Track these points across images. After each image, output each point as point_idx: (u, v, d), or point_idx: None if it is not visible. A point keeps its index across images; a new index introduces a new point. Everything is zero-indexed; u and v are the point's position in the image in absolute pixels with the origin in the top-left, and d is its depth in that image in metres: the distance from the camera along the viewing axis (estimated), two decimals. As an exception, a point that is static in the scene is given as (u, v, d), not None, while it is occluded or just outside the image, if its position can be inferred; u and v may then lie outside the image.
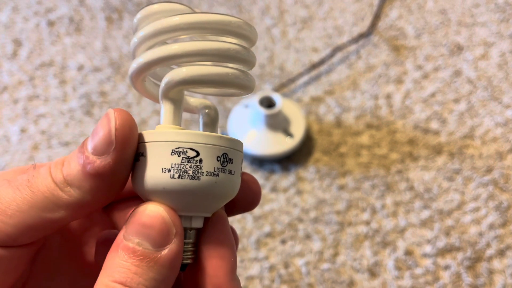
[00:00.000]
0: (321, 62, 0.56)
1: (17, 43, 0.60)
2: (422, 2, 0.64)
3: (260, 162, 0.48)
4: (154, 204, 0.19)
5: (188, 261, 0.20)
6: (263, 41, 0.60)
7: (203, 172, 0.19)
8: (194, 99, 0.24)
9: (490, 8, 0.62)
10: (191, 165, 0.19)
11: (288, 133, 0.48)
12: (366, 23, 0.61)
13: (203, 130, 0.23)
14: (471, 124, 0.51)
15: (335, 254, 0.42)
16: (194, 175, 0.19)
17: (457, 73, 0.56)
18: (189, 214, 0.20)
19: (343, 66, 0.57)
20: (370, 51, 0.58)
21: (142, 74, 0.21)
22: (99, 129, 0.19)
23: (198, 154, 0.19)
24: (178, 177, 0.19)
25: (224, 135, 0.20)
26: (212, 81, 0.20)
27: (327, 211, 0.45)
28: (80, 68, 0.57)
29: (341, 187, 0.46)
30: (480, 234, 0.43)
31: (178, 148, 0.19)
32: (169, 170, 0.19)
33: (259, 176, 0.47)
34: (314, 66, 0.56)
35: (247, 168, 0.48)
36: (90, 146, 0.19)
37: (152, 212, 0.19)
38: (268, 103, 0.48)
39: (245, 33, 0.21)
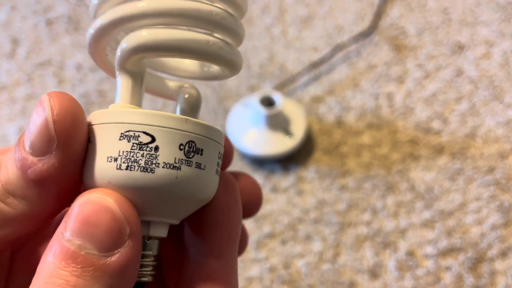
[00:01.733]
0: (322, 61, 0.56)
1: (16, 42, 0.59)
2: (423, 1, 0.63)
3: (260, 162, 0.48)
4: (100, 193, 0.15)
5: (146, 279, 0.17)
6: (263, 40, 0.59)
7: (158, 163, 0.15)
8: (173, 82, 0.19)
9: (491, 7, 0.62)
10: (143, 154, 0.15)
11: (288, 133, 0.48)
12: (367, 22, 0.61)
13: None
14: (472, 124, 0.51)
15: (336, 255, 0.42)
16: (147, 166, 0.15)
17: (459, 72, 0.55)
18: (146, 219, 0.16)
19: (343, 66, 0.57)
20: (370, 50, 0.58)
21: (102, 41, 0.17)
22: (35, 122, 0.15)
23: (153, 139, 0.15)
24: (126, 168, 0.15)
25: (191, 118, 0.16)
26: (185, 49, 0.16)
27: (328, 211, 0.44)
28: (79, 67, 0.56)
29: (342, 187, 0.46)
30: (482, 235, 0.43)
31: (128, 131, 0.15)
32: (116, 159, 0.15)
33: (258, 176, 0.47)
34: (314, 65, 0.56)
35: (247, 168, 0.48)
36: (27, 143, 0.15)
37: (98, 205, 0.14)
38: (268, 102, 0.47)
39: None
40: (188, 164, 0.15)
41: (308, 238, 0.43)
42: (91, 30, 0.16)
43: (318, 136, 0.50)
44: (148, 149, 0.15)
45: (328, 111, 0.52)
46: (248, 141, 0.47)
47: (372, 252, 0.42)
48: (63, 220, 0.14)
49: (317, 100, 0.53)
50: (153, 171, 0.15)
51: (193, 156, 0.16)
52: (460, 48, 0.58)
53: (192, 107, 0.19)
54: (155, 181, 0.15)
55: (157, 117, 0.15)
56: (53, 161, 0.15)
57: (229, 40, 0.17)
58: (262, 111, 0.46)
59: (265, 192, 0.46)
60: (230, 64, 0.17)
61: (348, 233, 0.43)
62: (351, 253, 0.42)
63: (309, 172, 0.47)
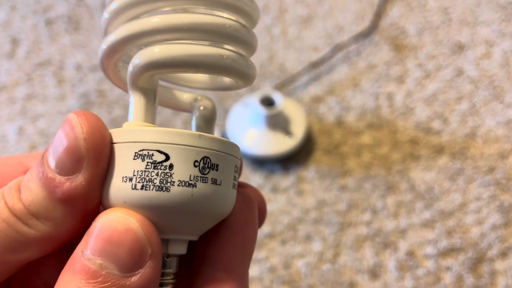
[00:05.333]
0: (322, 61, 0.56)
1: (15, 42, 0.59)
2: (423, 1, 0.63)
3: (260, 162, 0.48)
4: (122, 213, 0.15)
5: None
6: (263, 40, 0.59)
7: (173, 182, 0.15)
8: (187, 94, 0.19)
9: (491, 7, 0.62)
10: (158, 172, 0.15)
11: (288, 133, 0.48)
12: (367, 22, 0.61)
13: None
14: (472, 124, 0.51)
15: (336, 255, 0.42)
16: (162, 185, 0.15)
17: (459, 72, 0.55)
18: (164, 237, 0.16)
19: (343, 66, 0.56)
20: (371, 50, 0.58)
21: (114, 57, 0.17)
22: (62, 140, 0.15)
23: (167, 157, 0.15)
24: (141, 188, 0.15)
25: (206, 134, 0.16)
26: (199, 65, 0.15)
27: (328, 211, 0.44)
28: (79, 67, 0.56)
29: (342, 187, 0.46)
30: (482, 235, 0.43)
31: (142, 150, 0.15)
32: (131, 179, 0.15)
33: (258, 176, 0.47)
34: (314, 65, 0.56)
35: (247, 168, 0.48)
36: (52, 162, 0.15)
37: (120, 224, 0.14)
38: (268, 102, 0.47)
39: (246, 9, 0.16)
40: (204, 181, 0.15)
41: (308, 238, 0.43)
42: (103, 46, 0.16)
43: (318, 136, 0.50)
44: (162, 167, 0.15)
45: (328, 111, 0.52)
46: (248, 141, 0.47)
47: (372, 252, 0.42)
48: (83, 238, 0.14)
49: (317, 100, 0.53)
50: (168, 190, 0.15)
51: (208, 172, 0.15)
52: (460, 48, 0.58)
53: (208, 120, 0.19)
54: (170, 200, 0.15)
55: (171, 134, 0.15)
56: (81, 179, 0.15)
57: (242, 51, 0.17)
58: (262, 111, 0.46)
59: (265, 192, 0.46)
60: (244, 76, 0.16)
61: (348, 233, 0.43)
62: (351, 253, 0.42)
63: (309, 172, 0.47)
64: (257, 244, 0.43)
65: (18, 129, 0.51)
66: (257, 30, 0.62)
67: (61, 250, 0.17)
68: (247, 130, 0.48)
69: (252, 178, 0.47)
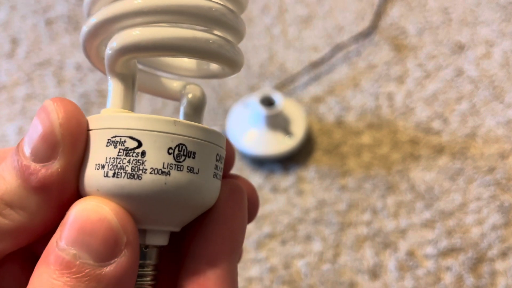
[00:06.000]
0: (322, 61, 0.56)
1: (15, 42, 0.59)
2: (423, 0, 0.63)
3: (260, 162, 0.48)
4: (96, 201, 0.14)
5: None
6: (263, 40, 0.59)
7: (146, 169, 0.14)
8: (177, 82, 0.19)
9: (491, 7, 0.62)
10: (130, 160, 0.14)
11: (288, 133, 0.48)
12: (367, 22, 0.61)
13: None
14: (472, 124, 0.51)
15: (336, 255, 0.42)
16: (134, 172, 0.14)
17: (459, 72, 0.55)
18: (142, 227, 0.15)
19: (343, 66, 0.56)
20: (371, 50, 0.58)
21: (96, 40, 0.16)
22: (37, 127, 0.14)
23: (140, 144, 0.14)
24: (113, 176, 0.14)
25: (182, 120, 0.15)
26: (182, 49, 0.15)
27: (328, 211, 0.44)
28: (79, 67, 0.56)
29: (342, 187, 0.46)
30: (482, 235, 0.43)
31: (115, 136, 0.14)
32: (103, 166, 0.14)
33: (258, 176, 0.47)
34: (314, 65, 0.56)
35: (247, 168, 0.48)
36: (27, 150, 0.14)
37: (94, 213, 0.14)
38: (268, 102, 0.47)
39: None
40: (179, 169, 0.15)
41: (308, 238, 0.43)
42: (85, 28, 0.16)
43: (318, 136, 0.50)
44: (134, 154, 0.14)
45: (328, 111, 0.52)
46: (248, 141, 0.47)
47: (372, 252, 0.42)
48: (58, 229, 0.14)
49: (317, 100, 0.53)
50: (140, 178, 0.14)
51: (183, 160, 0.15)
52: (460, 48, 0.58)
53: (196, 107, 0.18)
54: (142, 188, 0.14)
55: (144, 120, 0.15)
56: (57, 166, 0.14)
57: (229, 37, 0.16)
58: (262, 111, 0.46)
59: (265, 192, 0.46)
60: (231, 62, 0.16)
61: (348, 233, 0.43)
62: (351, 253, 0.42)
63: (309, 172, 0.47)
64: (257, 244, 0.43)
65: (18, 129, 0.51)
66: (257, 30, 0.62)
67: (20, 256, 0.16)
68: (247, 130, 0.48)
69: (252, 178, 0.47)
